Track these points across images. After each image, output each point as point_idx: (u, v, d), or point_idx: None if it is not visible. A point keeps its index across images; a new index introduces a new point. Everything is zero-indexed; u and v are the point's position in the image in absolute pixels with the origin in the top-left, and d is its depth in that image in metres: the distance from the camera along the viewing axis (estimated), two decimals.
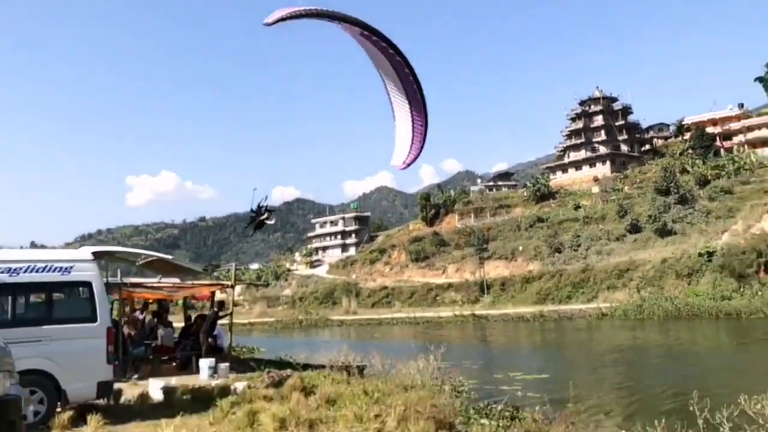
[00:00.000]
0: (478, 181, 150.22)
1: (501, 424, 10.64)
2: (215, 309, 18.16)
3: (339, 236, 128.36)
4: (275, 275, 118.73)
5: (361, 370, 15.09)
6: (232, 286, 19.75)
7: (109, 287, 14.03)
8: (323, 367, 14.76)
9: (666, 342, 32.75)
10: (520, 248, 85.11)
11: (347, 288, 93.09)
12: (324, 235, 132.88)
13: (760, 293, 44.32)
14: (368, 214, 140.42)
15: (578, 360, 26.82)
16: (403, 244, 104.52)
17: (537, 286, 71.80)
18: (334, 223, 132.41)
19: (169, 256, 16.27)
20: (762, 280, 47.11)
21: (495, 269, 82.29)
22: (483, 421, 10.92)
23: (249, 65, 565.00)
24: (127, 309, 19.15)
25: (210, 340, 17.22)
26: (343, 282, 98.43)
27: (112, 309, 13.52)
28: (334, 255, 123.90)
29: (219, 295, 21.98)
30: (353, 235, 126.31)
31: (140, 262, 15.21)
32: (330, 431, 9.42)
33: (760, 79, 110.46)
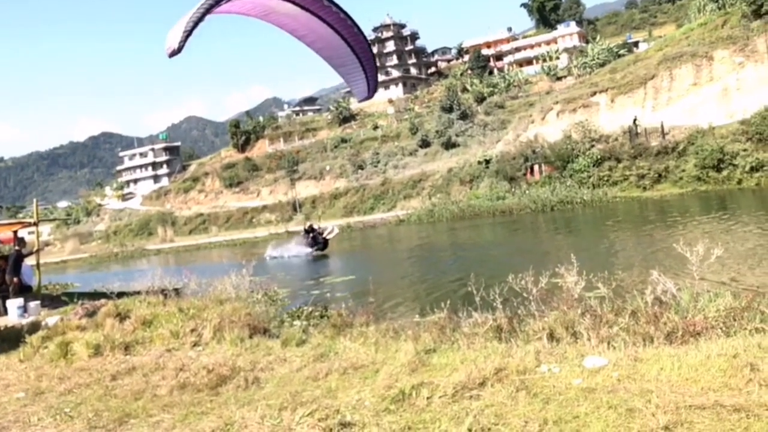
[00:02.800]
0: (285, 106, 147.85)
1: (311, 323, 11.00)
2: (17, 248, 16.58)
3: (150, 168, 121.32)
4: (86, 211, 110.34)
5: (177, 291, 14.71)
6: (36, 224, 18.05)
7: None
8: (139, 293, 14.14)
9: (452, 239, 35.26)
10: (328, 168, 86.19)
11: (162, 218, 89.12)
12: (134, 168, 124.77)
13: (527, 192, 48.72)
14: (178, 144, 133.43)
15: (380, 260, 28.18)
16: (216, 172, 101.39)
17: (344, 200, 73.72)
18: (143, 155, 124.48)
19: None
20: (528, 181, 51.85)
21: (306, 188, 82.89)
22: (296, 322, 11.22)
23: None
24: None
25: (16, 280, 15.78)
26: (157, 212, 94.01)
27: None
28: (147, 186, 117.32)
29: (27, 237, 20.11)
30: (165, 166, 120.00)
31: None
32: (147, 350, 9.19)
33: (525, 5, 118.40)
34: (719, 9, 58.65)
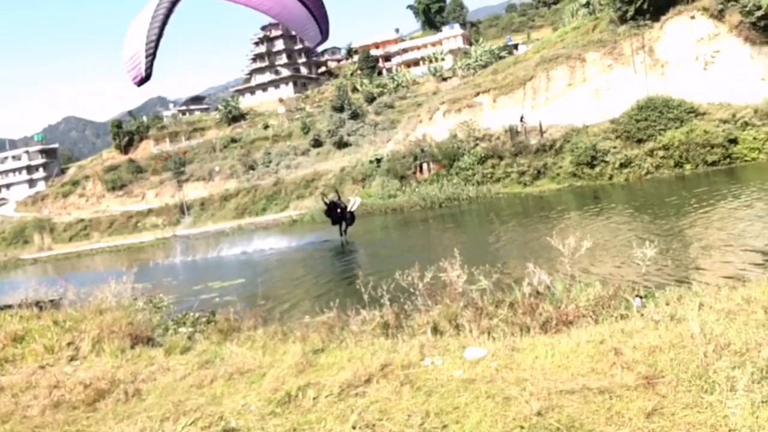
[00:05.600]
0: (171, 105, 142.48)
1: (198, 329, 10.70)
2: None
3: (24, 171, 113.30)
4: None
5: (54, 303, 13.81)
6: None
7: None
8: (10, 306, 13.13)
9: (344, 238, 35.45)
10: (217, 168, 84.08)
11: (39, 224, 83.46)
12: (7, 172, 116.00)
13: (416, 190, 49.88)
14: (56, 146, 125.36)
15: (270, 262, 27.77)
16: (97, 174, 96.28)
17: (235, 202, 72.14)
18: (17, 157, 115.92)
19: None
20: (418, 179, 52.95)
21: (194, 190, 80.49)
22: (181, 329, 10.87)
23: None
24: None
25: None
26: (34, 219, 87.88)
27: None
28: (21, 192, 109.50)
29: None
30: (41, 169, 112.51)
31: None
32: (17, 369, 8.54)
33: (411, 7, 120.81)
34: (590, 14, 62.39)
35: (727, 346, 5.17)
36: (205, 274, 24.21)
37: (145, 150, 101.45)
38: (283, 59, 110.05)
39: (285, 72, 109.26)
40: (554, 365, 5.47)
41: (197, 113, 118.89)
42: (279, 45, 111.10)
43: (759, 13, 42.72)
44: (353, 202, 30.85)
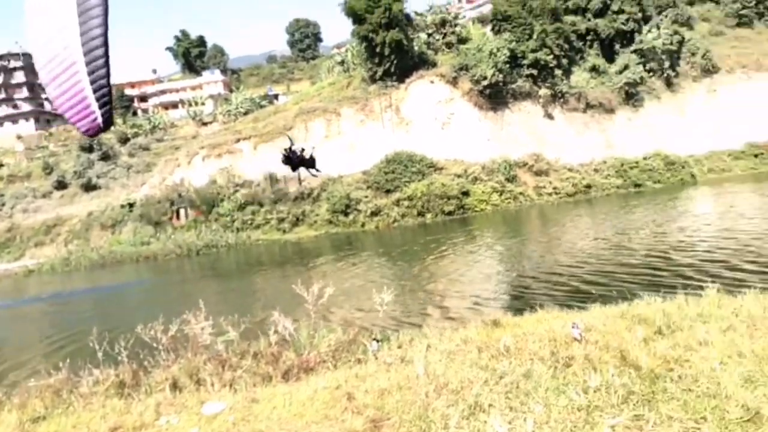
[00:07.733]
0: None
1: None
2: None
3: None
4: None
5: None
6: None
7: None
8: None
9: (89, 289, 32.49)
10: None
11: None
12: None
13: (173, 237, 47.70)
14: None
15: None
16: None
17: None
18: None
19: None
20: (175, 225, 50.74)
21: None
22: None
23: None
24: None
25: None
26: None
27: None
28: None
29: None
30: None
31: None
32: None
33: (170, 49, 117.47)
34: (345, 71, 66.18)
35: (445, 386, 5.71)
36: None
37: None
38: (24, 93, 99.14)
39: (26, 107, 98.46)
40: (291, 414, 5.55)
41: None
42: (19, 77, 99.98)
43: (485, 83, 49.52)
44: (309, 148, 28.28)
